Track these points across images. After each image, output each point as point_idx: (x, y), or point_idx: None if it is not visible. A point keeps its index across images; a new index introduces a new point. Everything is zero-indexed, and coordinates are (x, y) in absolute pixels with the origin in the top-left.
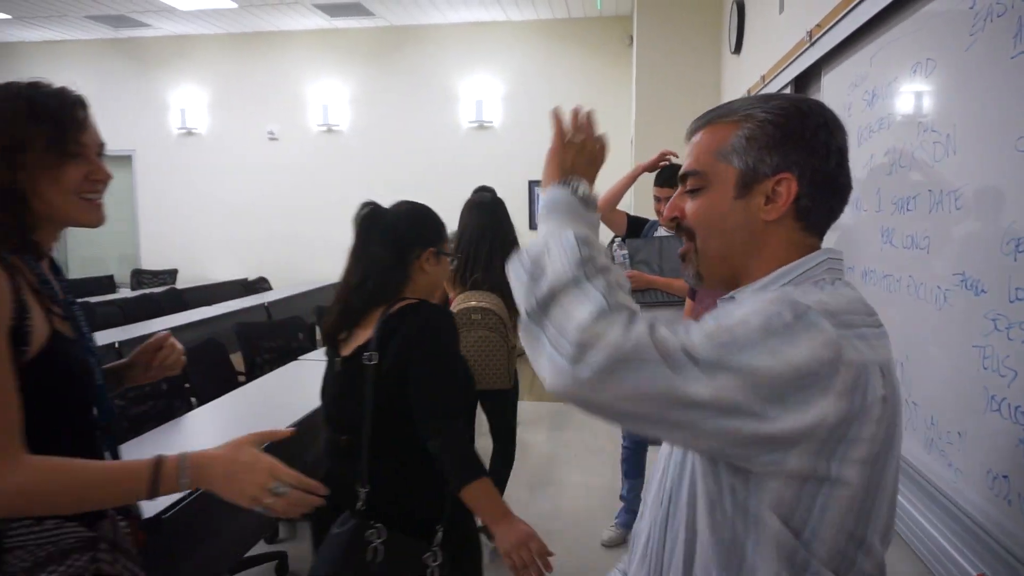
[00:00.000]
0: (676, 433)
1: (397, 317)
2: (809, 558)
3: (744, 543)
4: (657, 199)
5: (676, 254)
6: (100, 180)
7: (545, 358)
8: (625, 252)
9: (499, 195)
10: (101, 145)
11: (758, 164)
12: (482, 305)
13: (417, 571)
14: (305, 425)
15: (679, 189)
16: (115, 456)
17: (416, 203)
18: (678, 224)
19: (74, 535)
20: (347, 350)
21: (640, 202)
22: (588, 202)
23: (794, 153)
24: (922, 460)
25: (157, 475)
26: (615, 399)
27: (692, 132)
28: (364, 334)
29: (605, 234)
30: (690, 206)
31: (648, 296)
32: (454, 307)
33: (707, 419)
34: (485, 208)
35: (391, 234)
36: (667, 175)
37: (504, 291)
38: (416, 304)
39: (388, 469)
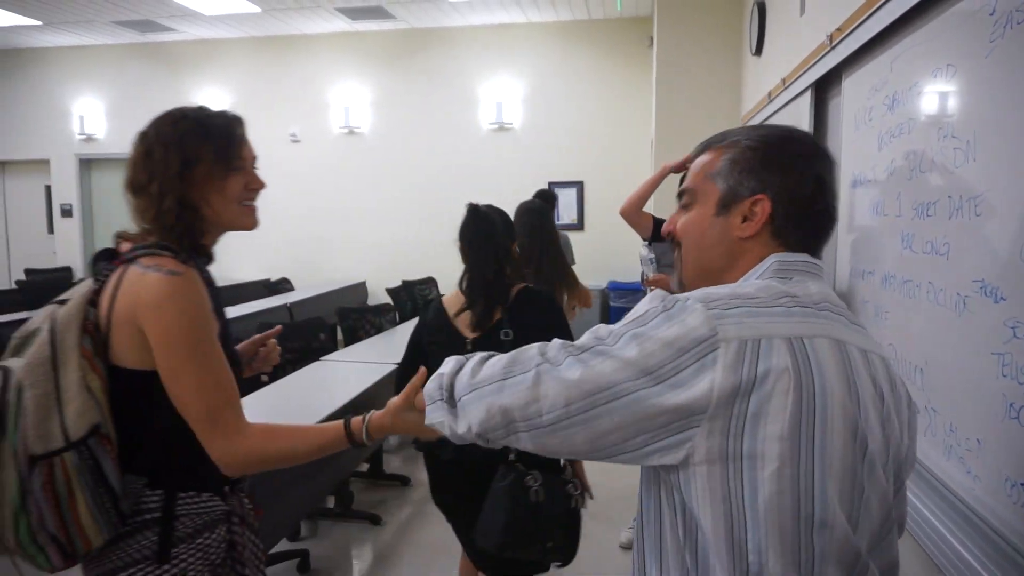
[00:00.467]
0: (578, 431)
1: (521, 298)
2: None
3: (684, 554)
4: None
5: None
6: (256, 189)
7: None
8: (652, 256)
9: (519, 196)
10: (255, 158)
11: (737, 186)
12: None
13: (565, 501)
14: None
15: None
16: None
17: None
18: (672, 237)
19: (219, 508)
20: (479, 331)
21: (660, 203)
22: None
23: (770, 177)
24: (941, 467)
25: (348, 427)
26: (516, 406)
27: (695, 156)
28: (494, 315)
29: (630, 235)
30: (681, 220)
31: None
32: None
33: (596, 407)
34: (534, 213)
35: (504, 229)
36: None
37: (549, 282)
38: (528, 287)
39: None
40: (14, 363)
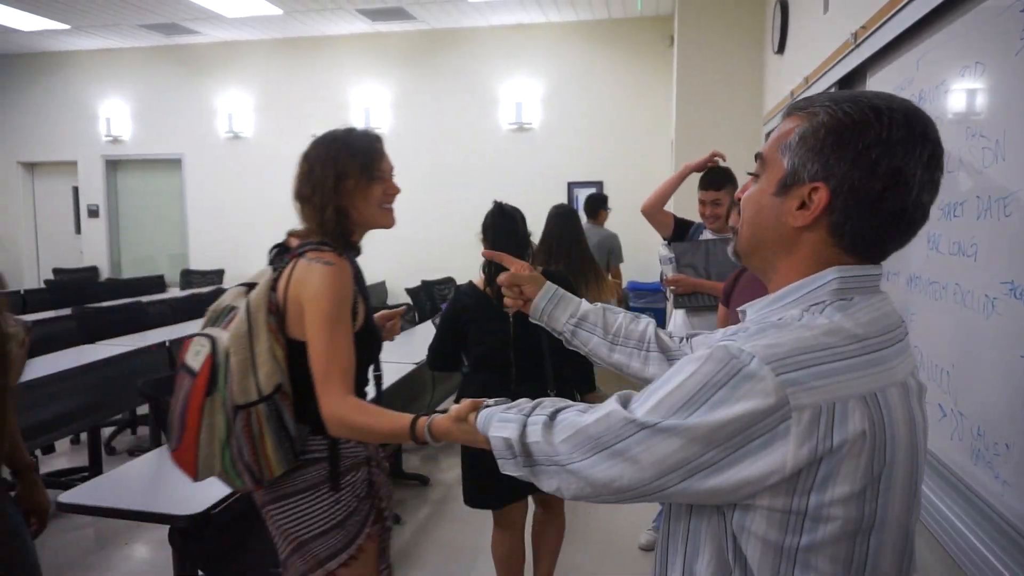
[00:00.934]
0: (659, 498)
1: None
2: None
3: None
4: (702, 203)
5: (723, 257)
6: (393, 194)
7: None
8: (672, 255)
9: (538, 196)
10: (391, 168)
11: (800, 168)
12: None
13: None
14: None
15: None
16: (377, 403)
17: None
18: (739, 203)
19: (362, 454)
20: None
21: (680, 203)
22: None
23: (837, 164)
24: (968, 471)
25: (414, 426)
26: (604, 482)
27: (782, 117)
28: None
29: (649, 235)
30: (748, 190)
31: (695, 300)
32: None
33: (671, 486)
34: (561, 217)
35: (523, 226)
36: (713, 178)
37: (575, 274)
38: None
39: (563, 373)
40: (215, 332)
